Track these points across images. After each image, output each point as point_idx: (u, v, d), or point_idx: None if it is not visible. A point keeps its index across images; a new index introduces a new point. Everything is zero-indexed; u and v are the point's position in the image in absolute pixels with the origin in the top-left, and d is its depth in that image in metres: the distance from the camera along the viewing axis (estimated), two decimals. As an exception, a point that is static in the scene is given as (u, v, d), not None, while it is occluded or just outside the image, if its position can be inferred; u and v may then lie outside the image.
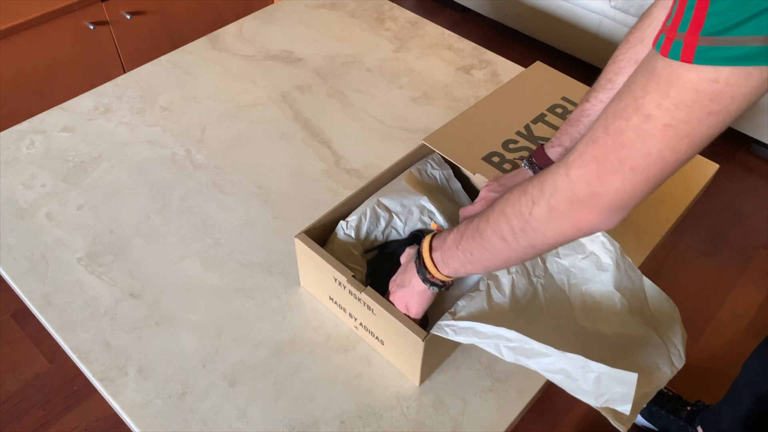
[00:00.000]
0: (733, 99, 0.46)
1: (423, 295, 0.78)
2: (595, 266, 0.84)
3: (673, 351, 0.80)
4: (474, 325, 0.75)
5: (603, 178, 0.54)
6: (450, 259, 0.73)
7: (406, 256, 0.82)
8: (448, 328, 0.76)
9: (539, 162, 0.88)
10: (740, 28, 0.43)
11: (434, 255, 0.75)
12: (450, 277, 0.75)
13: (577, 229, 0.58)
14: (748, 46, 0.43)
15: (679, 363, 0.80)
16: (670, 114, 0.48)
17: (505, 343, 0.73)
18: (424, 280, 0.76)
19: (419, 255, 0.77)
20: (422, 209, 0.94)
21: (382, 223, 0.92)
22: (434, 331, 0.76)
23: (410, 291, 0.78)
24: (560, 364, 0.70)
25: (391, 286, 0.82)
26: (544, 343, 0.71)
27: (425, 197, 0.94)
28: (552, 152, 0.88)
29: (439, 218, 0.93)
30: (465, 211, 0.93)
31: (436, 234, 0.77)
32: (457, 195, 1.01)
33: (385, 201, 0.93)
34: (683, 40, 0.46)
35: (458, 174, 1.04)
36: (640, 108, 0.50)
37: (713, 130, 0.49)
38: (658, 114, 0.49)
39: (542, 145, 0.89)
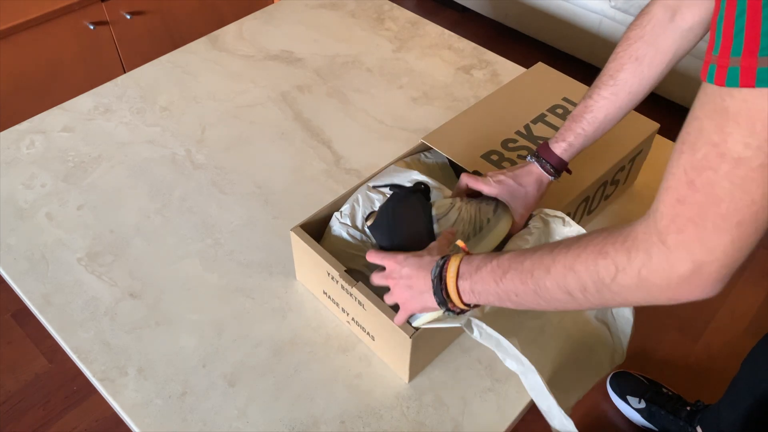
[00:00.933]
0: None
1: (429, 309, 0.72)
2: None
3: (618, 350, 0.87)
4: (500, 338, 0.74)
5: (707, 243, 0.47)
6: (482, 293, 0.66)
7: (422, 259, 0.73)
8: (476, 328, 0.75)
9: (545, 157, 0.88)
10: None
11: (461, 283, 0.67)
12: (471, 306, 0.69)
13: (672, 300, 0.52)
14: None
15: (620, 360, 0.87)
16: (763, 152, 0.43)
17: (518, 366, 0.76)
18: (441, 303, 0.69)
19: (440, 278, 0.69)
20: (415, 183, 0.91)
21: (377, 205, 0.91)
22: (464, 326, 0.75)
23: (419, 301, 0.72)
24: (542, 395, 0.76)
25: (393, 266, 0.75)
26: (523, 343, 0.75)
27: (416, 171, 0.93)
28: (557, 147, 0.87)
29: (433, 185, 0.91)
30: (469, 179, 0.87)
31: (464, 259, 0.68)
32: (450, 180, 1.01)
33: (375, 184, 0.93)
34: (739, 65, 0.43)
35: (454, 170, 1.04)
36: (725, 153, 0.44)
37: None
38: (749, 155, 0.44)
39: (547, 140, 0.89)
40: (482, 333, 0.75)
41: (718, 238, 0.47)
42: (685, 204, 0.48)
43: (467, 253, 0.70)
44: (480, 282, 0.66)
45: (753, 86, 0.42)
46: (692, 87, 2.26)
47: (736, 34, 0.43)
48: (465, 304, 0.69)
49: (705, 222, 0.47)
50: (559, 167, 0.87)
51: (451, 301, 0.69)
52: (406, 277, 0.73)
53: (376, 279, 0.78)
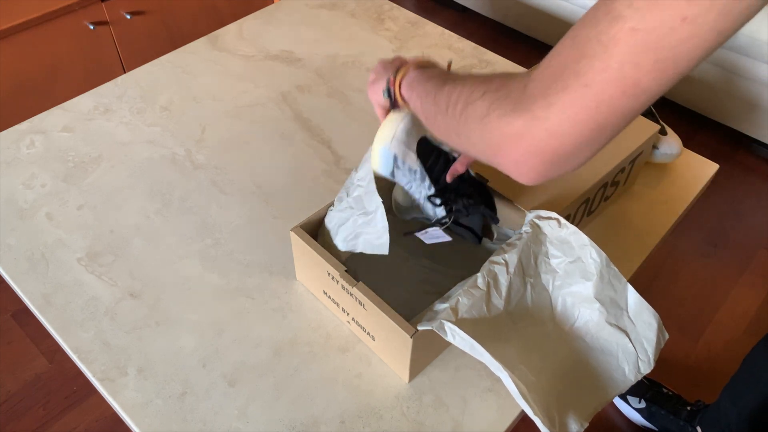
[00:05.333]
0: (712, 5, 0.39)
1: (378, 98, 0.79)
2: (579, 273, 0.84)
3: (642, 357, 0.82)
4: (473, 342, 0.74)
5: (549, 96, 0.45)
6: (411, 83, 0.70)
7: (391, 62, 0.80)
8: (448, 330, 0.75)
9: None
10: None
11: (409, 72, 0.73)
12: (402, 96, 0.74)
13: (492, 156, 0.50)
14: None
15: (646, 368, 0.81)
16: (639, 14, 0.40)
17: (495, 370, 0.75)
18: (385, 91, 0.76)
19: (394, 72, 0.75)
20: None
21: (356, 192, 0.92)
22: (435, 328, 0.76)
23: (375, 89, 0.79)
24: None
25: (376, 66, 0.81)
26: (521, 349, 0.74)
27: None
28: None
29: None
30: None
31: (420, 67, 0.73)
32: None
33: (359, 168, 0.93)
34: None
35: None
36: (610, 11, 0.42)
37: (684, 47, 0.41)
38: (627, 14, 0.41)
39: None
40: (456, 336, 0.75)
41: (560, 95, 0.44)
42: (557, 56, 0.46)
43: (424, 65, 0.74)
44: (417, 74, 0.70)
45: None
46: (693, 87, 2.26)
47: None
48: (402, 97, 0.74)
49: (560, 76, 0.44)
50: None
51: (394, 92, 0.74)
52: (376, 69, 0.80)
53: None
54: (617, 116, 0.44)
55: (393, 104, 0.77)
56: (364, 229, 0.84)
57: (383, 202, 0.82)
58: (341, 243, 0.88)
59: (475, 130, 0.51)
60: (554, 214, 0.84)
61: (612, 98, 0.43)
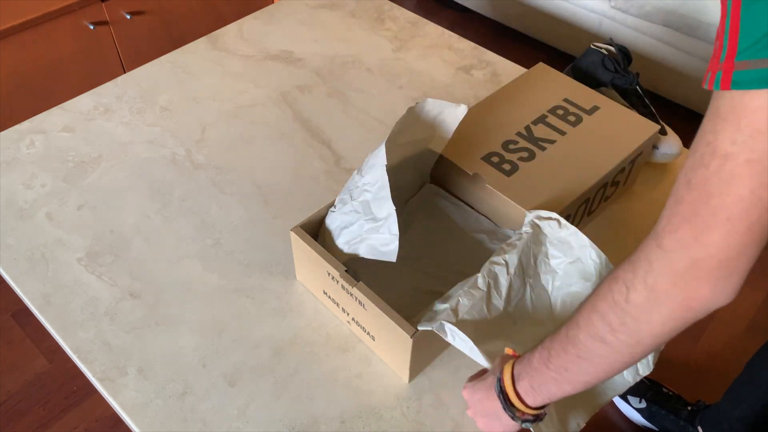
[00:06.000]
0: None
1: (511, 426, 0.69)
2: (579, 273, 0.84)
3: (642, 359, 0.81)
4: (472, 345, 0.74)
5: (700, 239, 0.47)
6: (542, 386, 0.63)
7: (486, 381, 0.71)
8: (449, 331, 0.75)
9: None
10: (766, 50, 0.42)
11: (519, 386, 0.65)
12: (543, 406, 0.66)
13: (687, 309, 0.50)
14: None
15: (645, 370, 0.82)
16: (748, 147, 0.44)
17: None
18: (514, 417, 0.66)
19: (502, 391, 0.66)
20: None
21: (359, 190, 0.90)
22: (435, 329, 0.76)
23: (497, 422, 0.70)
24: None
25: (469, 395, 0.74)
26: (520, 349, 0.73)
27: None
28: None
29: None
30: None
31: (516, 360, 0.67)
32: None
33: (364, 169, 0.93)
34: (722, 69, 0.45)
35: (456, 173, 1.04)
36: (716, 150, 0.46)
37: None
38: (735, 151, 0.45)
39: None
40: (456, 337, 0.75)
41: (709, 234, 0.47)
42: (681, 203, 0.49)
43: (517, 357, 0.68)
44: (535, 374, 0.63)
45: (729, 89, 0.45)
46: (693, 87, 2.26)
47: (724, 41, 0.45)
48: (533, 408, 0.66)
49: (697, 219, 0.47)
50: None
51: (519, 410, 0.66)
52: (478, 402, 0.72)
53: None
54: (766, 222, 0.47)
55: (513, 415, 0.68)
56: (370, 235, 0.84)
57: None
58: (344, 246, 0.88)
59: (652, 310, 0.51)
60: (554, 215, 0.84)
61: (759, 218, 0.46)
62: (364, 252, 0.85)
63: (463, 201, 1.05)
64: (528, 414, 0.66)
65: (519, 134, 1.03)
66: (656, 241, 0.50)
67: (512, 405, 0.66)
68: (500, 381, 0.67)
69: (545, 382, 0.63)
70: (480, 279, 0.80)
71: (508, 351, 0.72)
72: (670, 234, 0.49)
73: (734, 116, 0.45)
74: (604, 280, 0.56)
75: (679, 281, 0.49)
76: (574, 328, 0.58)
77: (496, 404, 0.68)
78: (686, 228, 0.48)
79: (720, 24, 0.46)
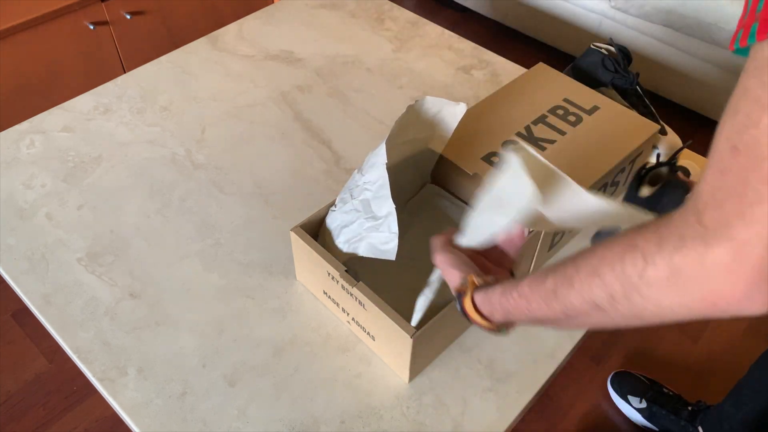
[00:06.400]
0: None
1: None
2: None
3: None
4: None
5: (747, 215, 0.39)
6: (508, 317, 0.60)
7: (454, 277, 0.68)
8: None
9: None
10: None
11: (483, 309, 0.62)
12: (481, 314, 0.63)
13: (711, 304, 0.42)
14: None
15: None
16: None
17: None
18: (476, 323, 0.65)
19: (462, 308, 0.64)
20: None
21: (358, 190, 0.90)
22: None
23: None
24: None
25: (440, 264, 0.70)
26: None
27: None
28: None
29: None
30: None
31: (479, 291, 0.63)
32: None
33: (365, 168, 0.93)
34: (758, 19, 0.39)
35: (456, 173, 1.04)
36: (758, 100, 0.39)
37: None
38: None
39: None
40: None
41: (760, 207, 0.38)
42: (727, 173, 0.40)
43: (477, 286, 0.64)
44: (502, 311, 0.60)
45: (765, 38, 0.39)
46: (693, 88, 2.26)
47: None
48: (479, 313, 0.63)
49: (747, 190, 0.39)
50: None
51: (481, 326, 0.64)
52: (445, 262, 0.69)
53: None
54: None
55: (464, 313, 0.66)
56: (370, 233, 0.84)
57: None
58: (343, 245, 0.88)
59: (668, 295, 0.43)
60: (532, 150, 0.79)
61: None
62: (363, 250, 0.85)
63: (463, 201, 1.05)
64: (490, 328, 0.63)
65: (519, 134, 1.03)
66: (696, 217, 0.41)
67: (473, 321, 0.64)
68: (459, 299, 0.64)
69: (515, 317, 0.59)
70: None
71: (470, 278, 0.66)
72: (713, 210, 0.40)
73: None
74: (613, 242, 0.47)
75: (712, 269, 0.40)
76: (565, 287, 0.51)
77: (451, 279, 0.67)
78: (733, 202, 0.39)
79: None
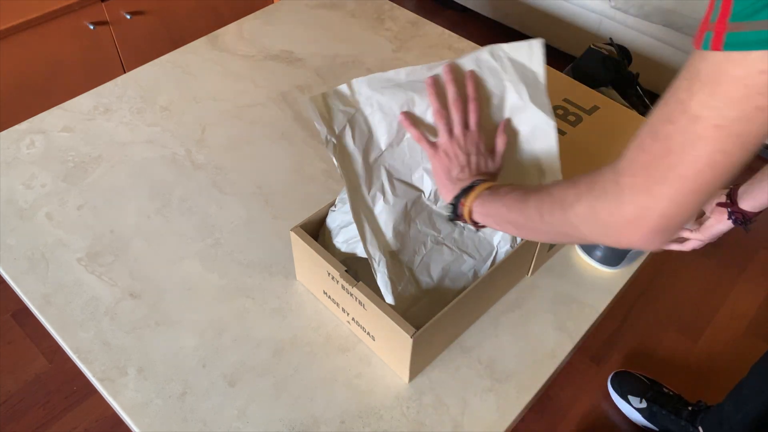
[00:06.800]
0: None
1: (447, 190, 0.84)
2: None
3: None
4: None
5: (652, 189, 0.51)
6: (487, 206, 0.76)
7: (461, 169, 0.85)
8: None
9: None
10: (761, 12, 0.42)
11: (476, 206, 0.78)
12: (477, 222, 0.80)
13: (615, 242, 0.57)
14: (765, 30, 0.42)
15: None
16: (719, 113, 0.46)
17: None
18: (452, 212, 0.82)
19: (465, 193, 0.80)
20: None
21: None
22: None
23: (446, 185, 0.85)
24: None
25: (448, 146, 0.86)
26: None
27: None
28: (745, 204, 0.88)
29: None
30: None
31: (485, 191, 0.79)
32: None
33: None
34: (713, 30, 0.45)
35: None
36: (687, 110, 0.48)
37: (763, 128, 0.47)
38: (705, 114, 0.47)
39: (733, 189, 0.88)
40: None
41: (661, 187, 0.51)
42: (643, 151, 0.52)
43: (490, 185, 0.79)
44: (491, 198, 0.76)
45: (720, 50, 0.44)
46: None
47: (717, 1, 0.46)
48: (473, 222, 0.80)
49: (654, 170, 0.51)
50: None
51: (462, 216, 0.80)
52: (454, 166, 0.86)
53: (425, 141, 0.88)
54: (715, 188, 0.50)
55: (454, 219, 0.83)
56: None
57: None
58: (342, 244, 0.88)
59: (586, 225, 0.59)
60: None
61: (708, 181, 0.49)
62: (362, 251, 0.85)
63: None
64: (463, 220, 0.81)
65: (519, 134, 1.03)
66: (615, 177, 0.55)
67: (461, 211, 0.80)
68: (468, 189, 0.80)
69: (492, 206, 0.76)
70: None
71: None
72: (628, 177, 0.53)
73: (713, 82, 0.46)
74: (569, 179, 0.63)
75: (619, 222, 0.54)
76: (533, 193, 0.68)
77: (455, 186, 0.83)
78: (643, 175, 0.52)
79: None
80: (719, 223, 0.89)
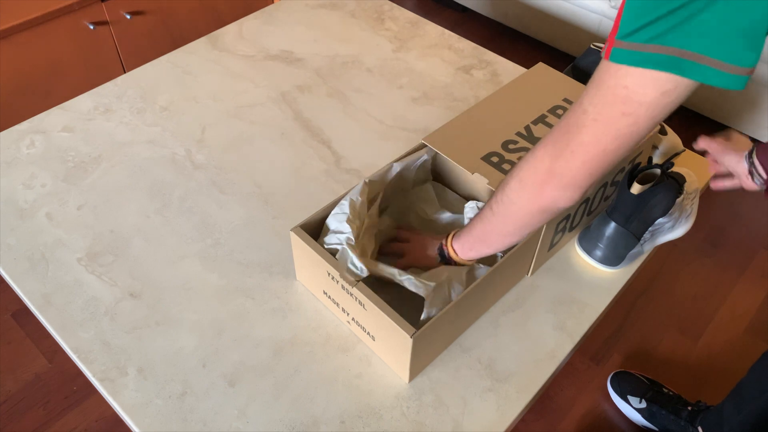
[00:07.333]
0: (640, 104, 0.56)
1: (430, 261, 0.93)
2: None
3: None
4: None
5: (555, 157, 0.65)
6: (465, 244, 0.87)
7: (431, 238, 0.96)
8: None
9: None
10: (639, 34, 0.53)
11: (455, 244, 0.89)
12: (470, 260, 0.89)
13: (541, 199, 0.69)
14: (646, 52, 0.53)
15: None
16: (596, 110, 0.60)
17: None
18: (440, 255, 0.91)
19: (443, 244, 0.91)
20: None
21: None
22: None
23: (426, 256, 0.94)
24: None
25: (411, 236, 0.98)
26: None
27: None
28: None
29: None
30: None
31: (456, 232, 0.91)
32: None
33: (373, 178, 0.96)
34: (607, 42, 0.56)
35: (456, 173, 1.04)
36: (581, 104, 0.61)
37: (632, 129, 0.59)
38: (589, 110, 0.60)
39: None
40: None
41: (560, 156, 0.64)
42: (556, 129, 0.66)
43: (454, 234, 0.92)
44: (464, 237, 0.87)
45: (607, 59, 0.56)
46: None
47: (616, 18, 0.56)
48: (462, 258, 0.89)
49: (557, 143, 0.65)
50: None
51: (449, 255, 0.90)
52: (421, 242, 0.96)
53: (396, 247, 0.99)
54: (599, 165, 0.64)
55: (448, 261, 0.92)
56: None
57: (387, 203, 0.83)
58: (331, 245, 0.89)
59: (517, 193, 0.72)
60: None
61: (591, 159, 0.63)
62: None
63: (463, 197, 1.05)
64: (455, 261, 0.90)
65: (519, 134, 1.03)
66: (533, 150, 0.69)
67: (448, 253, 0.90)
68: (442, 245, 0.92)
69: (471, 241, 0.86)
70: None
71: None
72: (542, 147, 0.67)
73: (599, 84, 0.59)
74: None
75: (538, 180, 0.68)
76: (492, 199, 0.78)
77: (433, 247, 0.93)
78: (551, 147, 0.66)
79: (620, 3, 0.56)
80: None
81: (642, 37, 0.52)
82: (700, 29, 0.50)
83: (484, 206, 0.82)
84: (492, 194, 0.79)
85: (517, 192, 0.72)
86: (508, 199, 0.74)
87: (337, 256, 0.85)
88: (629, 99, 0.56)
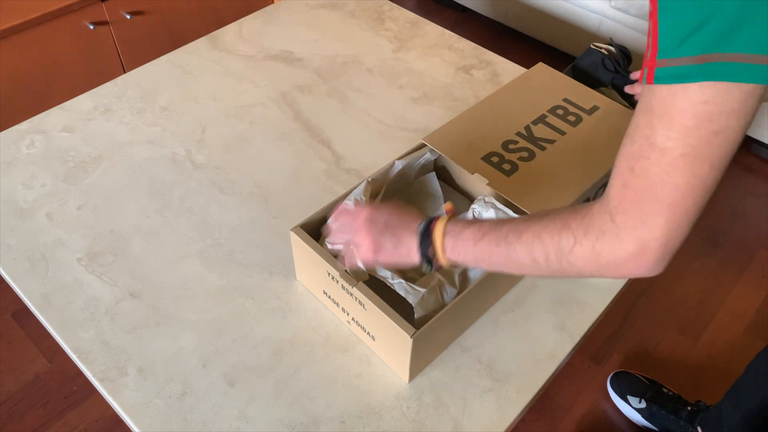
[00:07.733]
0: (727, 115, 0.49)
1: (408, 262, 0.75)
2: None
3: None
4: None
5: (647, 221, 0.54)
6: (461, 251, 0.71)
7: (406, 215, 0.78)
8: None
9: None
10: (680, 49, 0.48)
11: (446, 240, 0.72)
12: (452, 263, 0.73)
13: (620, 275, 0.59)
14: (688, 65, 0.48)
15: None
16: (682, 143, 0.50)
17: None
18: (424, 255, 0.73)
19: (428, 233, 0.73)
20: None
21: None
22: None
23: (398, 253, 0.75)
24: None
25: (371, 214, 0.78)
26: None
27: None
28: None
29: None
30: None
31: (451, 219, 0.74)
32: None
33: (375, 177, 0.96)
34: (647, 66, 0.50)
35: (456, 173, 1.04)
36: (653, 144, 0.52)
37: (725, 148, 0.51)
38: (670, 146, 0.51)
39: None
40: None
41: (655, 218, 0.54)
42: (628, 188, 0.55)
43: (452, 216, 0.76)
44: (462, 242, 0.71)
45: (652, 83, 0.50)
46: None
47: (649, 38, 0.51)
48: (449, 262, 0.73)
49: (643, 204, 0.54)
50: None
51: (436, 255, 0.73)
52: (391, 227, 0.76)
53: (339, 231, 0.82)
54: (701, 204, 0.55)
55: (431, 265, 0.75)
56: None
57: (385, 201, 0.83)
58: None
59: (589, 266, 0.60)
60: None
61: (694, 203, 0.53)
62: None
63: (463, 194, 1.05)
64: (439, 263, 0.73)
65: (519, 134, 1.03)
66: (609, 217, 0.57)
67: (433, 247, 0.73)
68: (429, 225, 0.74)
69: (466, 252, 0.71)
70: None
71: (447, 207, 0.78)
72: (622, 214, 0.56)
73: (667, 115, 0.50)
74: (554, 219, 0.62)
75: (623, 257, 0.57)
76: (514, 237, 0.65)
77: (412, 242, 0.74)
78: (635, 211, 0.55)
79: (649, 21, 0.51)
80: None
81: (695, 48, 0.47)
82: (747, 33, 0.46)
83: (505, 231, 0.67)
84: (524, 228, 0.65)
85: (587, 261, 0.60)
86: (566, 261, 0.61)
87: (338, 257, 0.85)
88: (713, 114, 0.49)
